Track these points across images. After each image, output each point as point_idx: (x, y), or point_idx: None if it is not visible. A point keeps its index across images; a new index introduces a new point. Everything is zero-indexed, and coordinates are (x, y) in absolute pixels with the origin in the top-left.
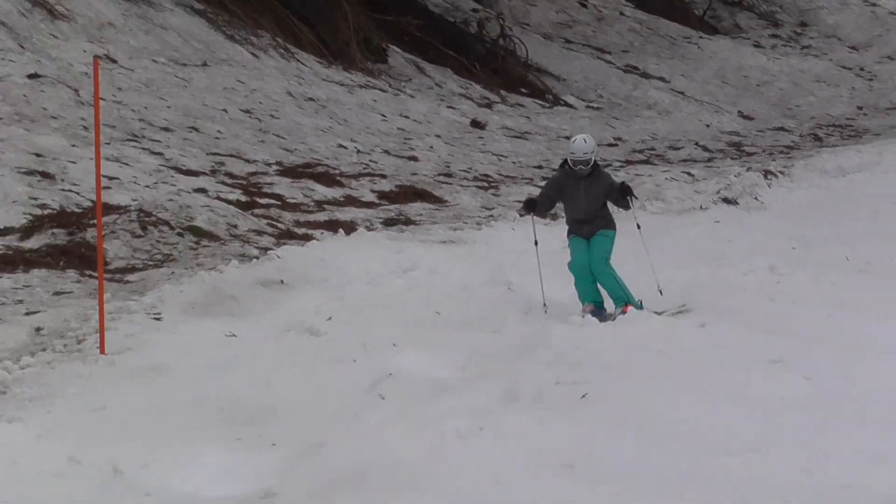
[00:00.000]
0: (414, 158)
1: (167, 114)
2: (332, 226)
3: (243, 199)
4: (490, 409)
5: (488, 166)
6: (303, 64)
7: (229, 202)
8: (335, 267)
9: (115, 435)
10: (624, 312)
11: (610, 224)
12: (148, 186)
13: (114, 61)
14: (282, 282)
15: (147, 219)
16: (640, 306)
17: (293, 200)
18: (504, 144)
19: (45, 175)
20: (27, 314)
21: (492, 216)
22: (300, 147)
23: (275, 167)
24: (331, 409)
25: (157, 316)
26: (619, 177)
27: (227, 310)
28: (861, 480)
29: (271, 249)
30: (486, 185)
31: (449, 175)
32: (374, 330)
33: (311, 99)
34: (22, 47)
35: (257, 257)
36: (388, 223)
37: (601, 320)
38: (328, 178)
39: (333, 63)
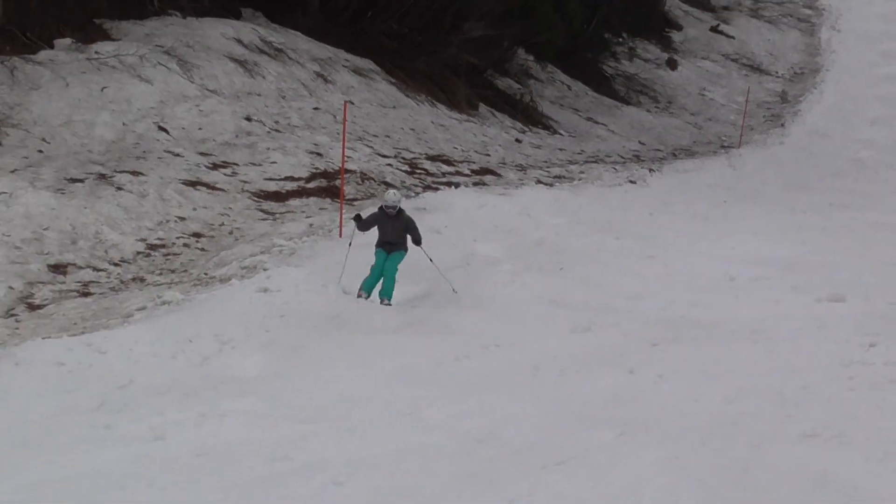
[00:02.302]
0: (488, 154)
1: (375, 129)
2: (449, 184)
3: (409, 169)
4: (518, 272)
5: (522, 160)
6: (439, 109)
7: (402, 171)
8: (449, 203)
9: (346, 273)
10: (383, 304)
11: (404, 248)
12: (365, 161)
13: (352, 103)
14: (425, 209)
15: (364, 176)
16: (389, 303)
17: (432, 171)
18: (530, 150)
19: (318, 154)
20: (307, 217)
21: (523, 183)
22: (435, 147)
23: (423, 156)
24: (447, 265)
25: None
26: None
27: None
28: (689, 314)
29: (421, 193)
30: (521, 168)
31: (504, 163)
32: (466, 233)
33: (442, 125)
34: (311, 95)
35: (415, 196)
36: (475, 183)
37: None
38: (448, 162)
39: (453, 109)
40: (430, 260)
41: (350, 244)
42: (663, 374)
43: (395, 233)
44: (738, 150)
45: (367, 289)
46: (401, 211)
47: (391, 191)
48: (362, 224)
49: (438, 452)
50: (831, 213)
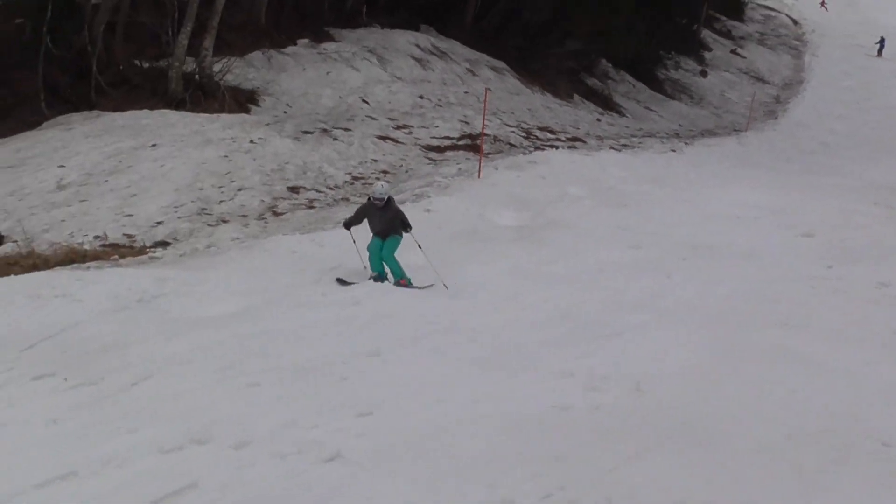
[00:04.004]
0: (578, 128)
1: (504, 108)
2: (551, 146)
3: (525, 135)
4: (595, 206)
5: (601, 133)
6: (547, 97)
7: (521, 136)
8: (551, 159)
9: (481, 202)
10: (400, 284)
11: (398, 233)
12: (496, 129)
13: (490, 90)
14: (535, 162)
15: (495, 139)
16: (410, 282)
17: (540, 137)
18: (606, 127)
19: (466, 122)
20: (457, 164)
21: (601, 148)
22: (543, 121)
23: (535, 127)
24: (548, 200)
25: (496, 168)
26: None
27: (517, 169)
28: (707, 240)
29: (532, 151)
30: (599, 138)
31: (588, 134)
32: (562, 179)
33: (548, 108)
34: (463, 83)
35: (528, 153)
36: (569, 147)
37: (378, 280)
38: (551, 132)
39: (556, 97)
40: (419, 247)
41: (354, 241)
42: (687, 279)
43: (383, 224)
44: (745, 133)
45: (375, 268)
46: (389, 201)
47: (379, 182)
48: (350, 221)
49: (534, 323)
50: (805, 177)
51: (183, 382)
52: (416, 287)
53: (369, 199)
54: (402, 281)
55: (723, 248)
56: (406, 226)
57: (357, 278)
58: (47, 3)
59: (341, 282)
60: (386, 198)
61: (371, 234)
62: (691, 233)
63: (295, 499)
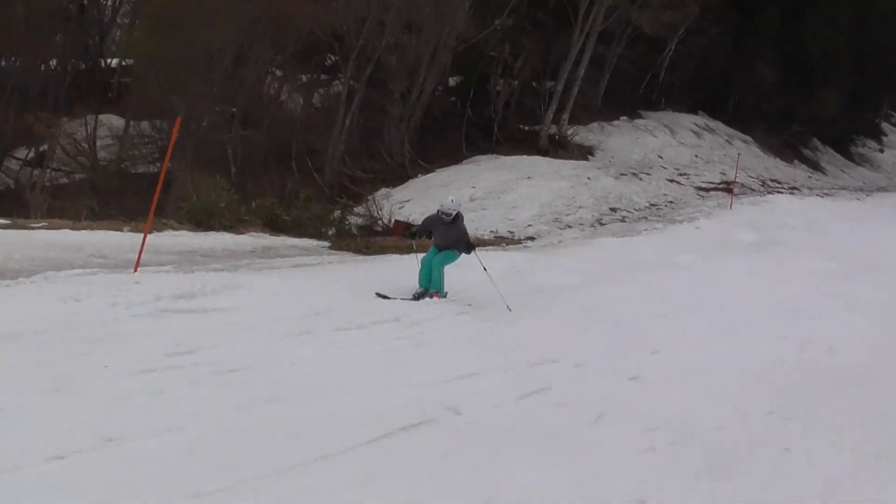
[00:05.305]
0: (795, 181)
1: (749, 166)
2: (778, 192)
3: (761, 184)
4: (803, 234)
5: (811, 185)
6: (776, 160)
7: (758, 184)
8: (777, 200)
9: (731, 224)
10: (433, 296)
11: (457, 250)
12: (743, 179)
13: (740, 154)
14: (767, 201)
15: (742, 185)
16: (444, 296)
17: (770, 185)
18: (814, 182)
19: (723, 174)
20: (717, 200)
21: (810, 195)
22: (773, 175)
23: (768, 179)
24: (775, 226)
25: (741, 203)
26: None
27: (755, 206)
28: (879, 261)
29: (766, 195)
30: (809, 188)
31: (802, 185)
32: (781, 213)
33: (776, 167)
34: (723, 149)
35: (762, 195)
36: (790, 192)
37: (419, 298)
38: (778, 182)
39: (784, 161)
40: (485, 269)
41: (415, 249)
42: (865, 284)
43: (447, 239)
44: None
45: (423, 284)
46: (457, 217)
47: (450, 198)
48: (415, 231)
49: (763, 304)
50: None
51: (542, 324)
52: (451, 301)
53: (438, 211)
54: (437, 294)
55: (890, 265)
56: (469, 247)
57: (397, 294)
58: (470, 89)
59: (381, 296)
60: (454, 213)
61: (433, 245)
62: (868, 253)
63: (610, 399)
